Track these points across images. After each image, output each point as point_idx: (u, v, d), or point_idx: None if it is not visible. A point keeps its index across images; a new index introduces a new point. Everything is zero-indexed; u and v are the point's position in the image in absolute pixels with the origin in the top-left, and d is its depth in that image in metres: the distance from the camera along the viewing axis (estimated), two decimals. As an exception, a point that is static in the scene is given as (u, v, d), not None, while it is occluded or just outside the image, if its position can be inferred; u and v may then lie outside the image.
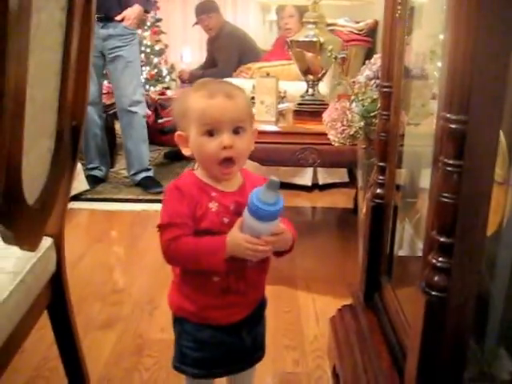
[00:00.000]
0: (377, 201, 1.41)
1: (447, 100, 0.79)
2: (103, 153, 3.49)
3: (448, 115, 0.78)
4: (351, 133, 1.69)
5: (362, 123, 1.70)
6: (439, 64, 0.98)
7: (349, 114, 1.70)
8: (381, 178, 1.40)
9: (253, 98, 2.42)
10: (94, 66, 3.17)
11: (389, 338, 1.31)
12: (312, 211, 3.18)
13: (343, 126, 1.69)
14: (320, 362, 1.72)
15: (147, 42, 5.67)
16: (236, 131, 1.02)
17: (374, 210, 1.41)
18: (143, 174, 3.37)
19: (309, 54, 2.35)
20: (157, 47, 5.81)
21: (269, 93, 2.29)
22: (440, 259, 0.84)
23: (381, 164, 1.39)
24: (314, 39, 2.29)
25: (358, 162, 1.99)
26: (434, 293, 0.86)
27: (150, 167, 3.43)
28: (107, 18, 3.14)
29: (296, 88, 2.74)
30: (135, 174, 3.38)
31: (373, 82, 1.67)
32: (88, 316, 1.96)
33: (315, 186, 3.35)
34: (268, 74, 2.33)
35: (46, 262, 1.15)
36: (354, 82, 1.85)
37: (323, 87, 2.79)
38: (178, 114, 1.07)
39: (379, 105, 1.50)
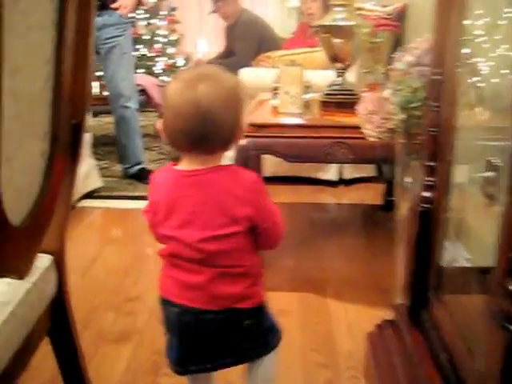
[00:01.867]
0: (425, 205, 1.22)
1: None
2: None
3: None
4: (390, 127, 1.50)
5: (403, 115, 1.50)
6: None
7: (388, 106, 1.51)
8: (429, 179, 1.21)
9: (276, 88, 2.24)
10: None
11: (442, 364, 1.13)
12: (338, 208, 2.99)
13: (381, 119, 1.50)
14: (355, 382, 1.54)
15: (162, 31, 5.52)
16: None
17: (422, 215, 1.23)
18: (138, 167, 3.30)
19: (337, 40, 2.15)
20: (172, 37, 5.66)
21: (294, 82, 2.10)
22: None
23: (430, 164, 1.20)
24: (343, 23, 2.09)
25: (395, 158, 1.79)
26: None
27: (142, 160, 3.34)
28: (102, 6, 2.98)
29: (321, 77, 2.55)
30: (129, 167, 3.30)
31: (415, 69, 1.48)
32: (100, 328, 1.80)
33: (341, 181, 3.16)
34: (293, 62, 2.14)
35: (44, 286, 0.98)
36: (390, 69, 1.66)
37: (350, 76, 2.59)
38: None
39: (426, 94, 1.31)
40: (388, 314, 1.81)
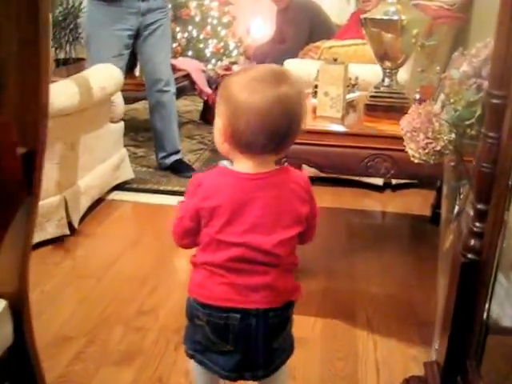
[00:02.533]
0: (470, 256, 1.00)
1: None
2: None
3: None
4: (437, 148, 1.26)
5: (453, 135, 1.27)
6: None
7: (435, 123, 1.27)
8: (478, 225, 0.99)
9: (315, 86, 2.02)
10: (125, 46, 2.90)
11: None
12: (381, 216, 2.74)
13: (427, 138, 1.27)
14: None
15: (214, 13, 5.33)
16: None
17: (465, 268, 1.01)
18: (174, 157, 3.10)
19: (387, 36, 1.91)
20: (224, 19, 5.46)
21: (335, 83, 1.87)
22: None
23: (480, 206, 0.98)
24: (395, 17, 1.84)
25: (443, 180, 1.56)
26: None
27: (180, 149, 3.16)
28: None
29: (371, 73, 2.30)
30: (165, 156, 3.10)
31: (472, 80, 1.24)
32: (105, 344, 1.67)
33: (387, 186, 2.91)
34: (335, 60, 1.91)
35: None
36: (444, 77, 1.42)
37: (402, 74, 2.33)
38: None
39: (484, 120, 1.08)
40: (422, 356, 1.61)
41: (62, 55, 5.14)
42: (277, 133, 0.97)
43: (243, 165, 1.01)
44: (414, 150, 1.30)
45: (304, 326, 1.76)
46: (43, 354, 1.59)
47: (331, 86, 1.87)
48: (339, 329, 1.76)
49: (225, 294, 1.03)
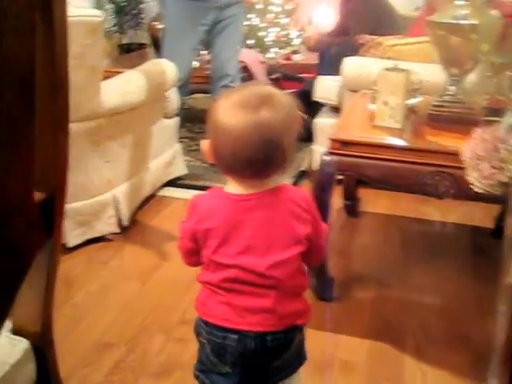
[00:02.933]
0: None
1: None
2: None
3: None
4: (503, 179, 1.15)
5: (522, 165, 1.15)
6: None
7: (502, 151, 1.15)
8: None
9: (375, 91, 1.90)
10: (200, 41, 2.85)
11: None
12: (440, 227, 2.60)
13: (492, 168, 1.15)
14: None
15: (276, 0, 5.23)
16: None
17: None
18: None
19: (455, 39, 1.77)
20: (287, 6, 5.34)
21: (395, 91, 1.75)
22: None
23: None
24: (465, 22, 1.70)
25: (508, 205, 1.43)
26: None
27: None
28: None
29: (436, 74, 2.14)
30: None
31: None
32: (145, 354, 1.65)
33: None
34: (396, 66, 1.79)
35: (15, 374, 0.79)
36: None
37: (471, 76, 2.17)
38: None
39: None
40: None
41: (125, 40, 5.18)
42: (254, 160, 0.93)
43: (235, 186, 1.00)
44: (476, 180, 1.19)
45: (348, 348, 1.69)
46: (84, 360, 1.62)
47: (391, 95, 1.76)
48: (386, 353, 1.67)
49: (223, 313, 1.02)
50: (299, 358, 1.11)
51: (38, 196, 0.63)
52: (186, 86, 3.05)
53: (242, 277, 0.99)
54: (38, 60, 0.61)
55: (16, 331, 0.82)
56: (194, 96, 4.03)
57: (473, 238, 2.43)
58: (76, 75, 1.83)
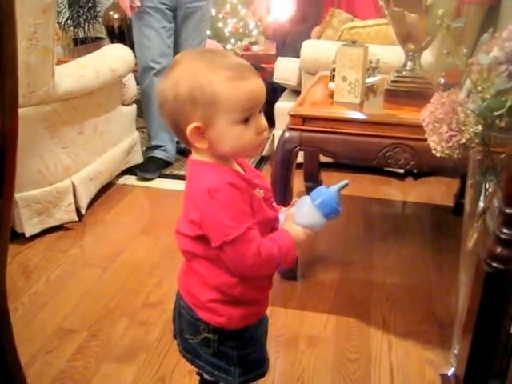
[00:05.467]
0: (496, 265, 0.90)
1: None
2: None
3: None
4: (462, 141, 1.15)
5: (480, 127, 1.16)
6: None
7: (461, 114, 1.16)
8: (506, 231, 0.89)
9: (333, 70, 1.91)
10: (164, 21, 2.75)
11: None
12: (401, 206, 2.63)
13: (451, 130, 1.16)
14: None
15: (233, -10, 5.20)
16: (260, 109, 0.91)
17: (491, 278, 0.91)
18: None
19: (411, 16, 1.78)
20: (244, -3, 5.32)
21: (354, 67, 1.75)
22: None
23: (509, 211, 0.87)
24: (420, -5, 1.71)
25: (467, 174, 1.45)
26: None
27: None
28: None
29: (394, 55, 2.17)
30: (178, 141, 2.92)
31: (503, 67, 1.12)
32: (108, 339, 1.61)
33: (408, 173, 2.79)
34: (354, 42, 1.79)
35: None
36: (471, 62, 1.30)
37: (427, 56, 2.20)
38: (187, 101, 0.86)
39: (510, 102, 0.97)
40: (439, 360, 1.52)
41: (80, 34, 5.06)
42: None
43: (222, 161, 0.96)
44: (436, 143, 1.19)
45: (314, 324, 1.69)
46: (45, 347, 1.57)
47: (350, 70, 1.76)
48: (352, 327, 1.68)
49: None
50: (223, 372, 1.01)
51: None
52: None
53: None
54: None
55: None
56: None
57: (434, 216, 2.47)
58: (28, 56, 1.77)
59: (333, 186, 0.96)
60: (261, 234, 0.91)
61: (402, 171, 2.76)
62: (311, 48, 2.63)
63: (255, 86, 0.87)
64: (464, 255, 1.47)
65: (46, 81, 1.90)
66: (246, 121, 0.88)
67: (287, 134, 1.71)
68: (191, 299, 0.99)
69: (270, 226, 0.97)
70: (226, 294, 0.95)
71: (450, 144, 1.17)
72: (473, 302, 0.97)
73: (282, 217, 1.00)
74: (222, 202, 0.86)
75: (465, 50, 1.80)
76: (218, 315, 0.96)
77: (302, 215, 0.96)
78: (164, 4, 2.67)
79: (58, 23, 4.88)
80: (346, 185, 0.96)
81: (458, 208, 2.37)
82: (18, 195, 2.04)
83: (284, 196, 1.72)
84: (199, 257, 0.94)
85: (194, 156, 0.94)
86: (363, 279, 1.94)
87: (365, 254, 2.11)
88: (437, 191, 2.67)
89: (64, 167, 2.18)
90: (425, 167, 1.66)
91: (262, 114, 0.92)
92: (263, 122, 0.91)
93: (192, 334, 1.01)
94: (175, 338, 1.09)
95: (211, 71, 0.86)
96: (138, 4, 2.62)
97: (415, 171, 2.76)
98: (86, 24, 5.01)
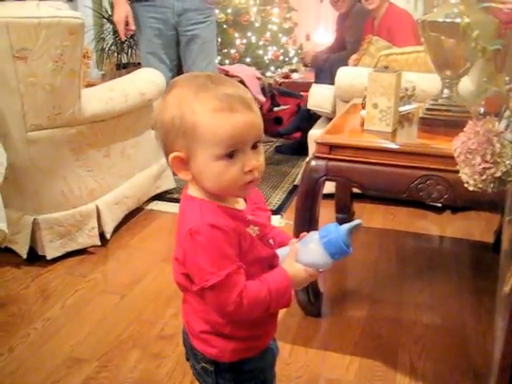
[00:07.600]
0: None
1: None
2: None
3: None
4: (497, 174, 1.05)
5: (518, 160, 1.05)
6: None
7: (496, 144, 1.06)
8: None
9: (365, 97, 1.82)
10: (167, 46, 2.79)
11: None
12: (438, 241, 2.49)
13: (485, 162, 1.05)
14: None
15: (275, 19, 5.21)
16: (255, 146, 0.83)
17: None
18: None
19: (448, 41, 1.69)
20: (285, 25, 5.32)
21: (386, 93, 1.67)
22: None
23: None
24: (457, 20, 1.62)
25: (505, 209, 1.34)
26: None
27: None
28: None
29: (433, 83, 2.06)
30: None
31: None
32: (117, 370, 1.54)
33: (447, 207, 2.65)
34: (386, 67, 1.71)
35: None
36: (510, 88, 1.21)
37: (467, 84, 2.10)
38: (170, 129, 0.82)
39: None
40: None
41: (123, 60, 5.15)
42: None
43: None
44: (468, 176, 1.09)
45: (338, 365, 1.57)
46: (52, 376, 1.51)
47: (381, 96, 1.67)
48: (377, 371, 1.55)
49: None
50: None
51: None
52: None
53: None
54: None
55: None
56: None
57: (472, 253, 2.32)
58: (54, 78, 1.76)
59: (344, 225, 0.88)
60: (256, 272, 0.84)
61: (439, 204, 2.62)
62: (346, 75, 2.56)
63: (243, 120, 0.80)
64: (500, 301, 1.34)
65: (71, 103, 1.89)
66: (230, 156, 0.80)
67: (313, 163, 1.63)
68: (188, 327, 0.97)
69: (266, 263, 0.90)
70: (217, 329, 0.90)
71: (484, 177, 1.07)
72: (506, 355, 0.85)
73: (286, 250, 0.92)
74: (202, 244, 0.80)
75: (507, 78, 1.70)
76: (210, 346, 0.92)
77: (307, 252, 0.89)
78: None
79: (102, 49, 5.01)
80: (359, 224, 0.89)
81: (498, 245, 2.22)
82: (40, 217, 2.02)
83: (308, 229, 1.63)
84: (189, 291, 0.90)
85: (189, 188, 0.89)
86: (392, 318, 1.81)
87: (395, 291, 1.99)
88: (476, 227, 2.52)
89: (88, 190, 2.15)
90: (459, 201, 1.55)
91: (259, 149, 0.84)
92: (253, 159, 0.82)
93: (195, 360, 0.98)
94: (187, 360, 1.04)
95: (197, 99, 0.80)
96: (133, 28, 2.73)
97: (451, 205, 2.63)
98: (130, 50, 5.10)
